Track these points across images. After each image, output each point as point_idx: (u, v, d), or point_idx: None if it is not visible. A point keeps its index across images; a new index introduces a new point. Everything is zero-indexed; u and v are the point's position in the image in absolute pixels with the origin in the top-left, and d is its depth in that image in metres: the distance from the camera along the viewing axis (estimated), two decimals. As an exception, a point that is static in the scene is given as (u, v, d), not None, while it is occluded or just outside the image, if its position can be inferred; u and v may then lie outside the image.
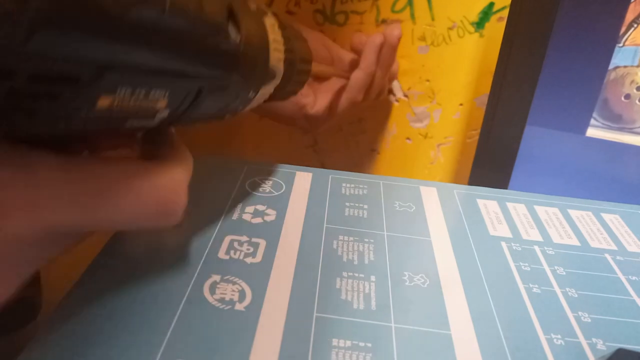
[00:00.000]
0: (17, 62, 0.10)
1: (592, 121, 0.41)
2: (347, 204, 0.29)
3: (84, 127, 0.13)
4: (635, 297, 0.24)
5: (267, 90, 0.22)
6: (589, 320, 0.22)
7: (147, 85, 0.14)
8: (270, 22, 0.20)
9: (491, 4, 0.43)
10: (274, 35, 0.20)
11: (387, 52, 0.40)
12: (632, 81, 0.40)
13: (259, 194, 0.29)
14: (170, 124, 0.18)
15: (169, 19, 0.13)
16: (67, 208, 0.14)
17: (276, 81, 0.22)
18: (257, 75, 0.20)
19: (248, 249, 0.24)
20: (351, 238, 0.26)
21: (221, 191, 0.29)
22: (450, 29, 0.45)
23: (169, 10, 0.13)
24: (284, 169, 0.32)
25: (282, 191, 0.30)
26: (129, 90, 0.13)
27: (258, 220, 0.27)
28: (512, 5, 0.39)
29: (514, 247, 0.27)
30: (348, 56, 0.42)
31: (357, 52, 0.41)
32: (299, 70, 0.24)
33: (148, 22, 0.12)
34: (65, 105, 0.12)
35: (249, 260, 0.24)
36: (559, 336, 0.21)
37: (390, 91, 0.48)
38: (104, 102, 0.13)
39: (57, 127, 0.13)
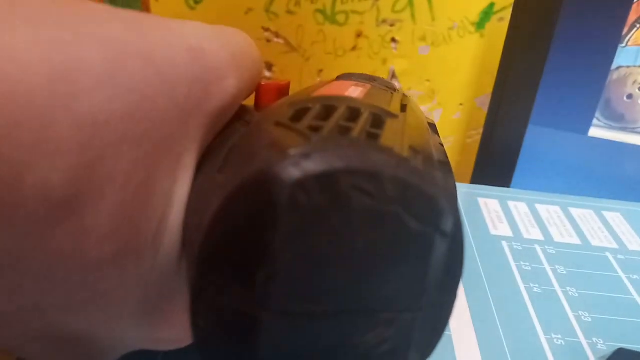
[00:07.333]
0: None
1: (595, 121, 0.41)
2: (347, 203, 0.29)
3: None
4: (636, 296, 0.23)
5: None
6: (590, 320, 0.22)
7: None
8: None
9: (492, 5, 0.43)
10: None
11: None
12: (635, 81, 0.40)
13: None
14: None
15: None
16: None
17: None
18: None
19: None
20: (350, 237, 0.26)
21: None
22: (450, 29, 0.45)
23: None
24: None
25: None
26: None
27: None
28: (514, 5, 0.39)
29: (515, 247, 0.26)
30: None
31: None
32: None
33: None
34: None
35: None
36: (560, 336, 0.21)
37: None
38: None
39: None
